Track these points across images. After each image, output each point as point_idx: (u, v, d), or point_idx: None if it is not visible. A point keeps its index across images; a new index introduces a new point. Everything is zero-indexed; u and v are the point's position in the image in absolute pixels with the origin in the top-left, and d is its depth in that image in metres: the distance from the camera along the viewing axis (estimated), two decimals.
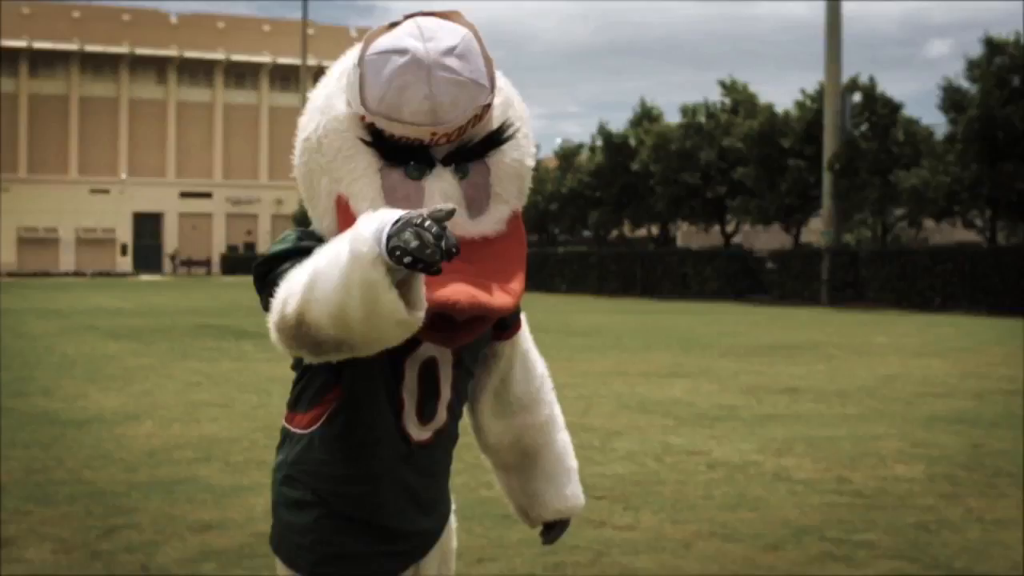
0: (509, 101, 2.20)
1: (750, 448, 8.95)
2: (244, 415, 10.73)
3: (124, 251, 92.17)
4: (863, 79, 38.91)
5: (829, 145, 37.77)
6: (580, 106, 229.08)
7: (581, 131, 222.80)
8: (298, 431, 2.29)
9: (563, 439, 2.61)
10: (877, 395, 12.32)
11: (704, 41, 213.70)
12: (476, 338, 2.13)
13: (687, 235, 60.56)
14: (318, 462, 2.25)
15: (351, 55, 2.15)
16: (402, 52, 2.03)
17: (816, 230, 43.40)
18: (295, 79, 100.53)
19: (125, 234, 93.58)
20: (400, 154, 2.08)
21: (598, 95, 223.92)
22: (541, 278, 48.45)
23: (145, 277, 77.79)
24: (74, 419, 10.42)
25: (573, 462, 2.62)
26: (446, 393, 2.28)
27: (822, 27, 40.39)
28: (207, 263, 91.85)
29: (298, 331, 1.92)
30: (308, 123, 2.20)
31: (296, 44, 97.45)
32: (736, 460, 8.43)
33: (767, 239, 53.62)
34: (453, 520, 2.49)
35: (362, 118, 2.08)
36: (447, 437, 2.35)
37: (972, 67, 33.44)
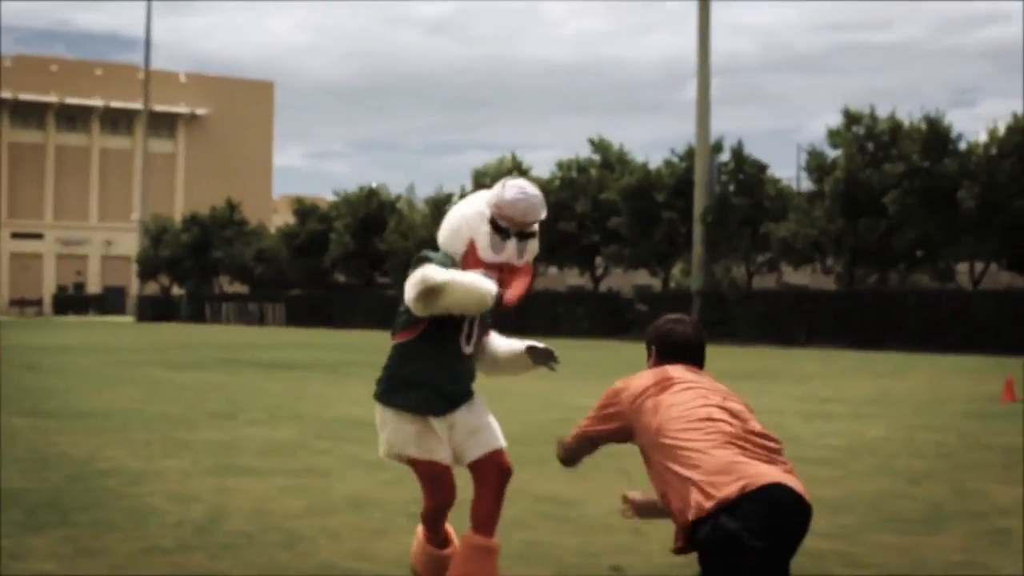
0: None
1: None
2: None
3: None
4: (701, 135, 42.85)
5: (699, 199, 41.67)
6: (345, 145, 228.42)
7: (349, 171, 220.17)
8: (402, 341, 5.04)
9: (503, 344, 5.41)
10: None
11: (467, 82, 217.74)
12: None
13: (552, 278, 60.24)
14: (416, 353, 5.01)
15: (488, 193, 5.06)
16: (525, 192, 4.93)
17: (674, 274, 49.89)
18: (126, 123, 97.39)
19: None
20: (501, 231, 4.92)
21: (364, 134, 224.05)
22: None
23: None
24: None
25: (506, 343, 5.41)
26: (476, 332, 5.15)
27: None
28: (38, 303, 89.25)
29: (429, 291, 4.67)
30: (466, 207, 5.09)
31: (127, 88, 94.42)
32: None
33: (626, 281, 55.08)
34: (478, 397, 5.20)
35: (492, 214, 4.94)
36: (475, 353, 5.22)
37: (833, 135, 38.86)
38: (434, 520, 5.21)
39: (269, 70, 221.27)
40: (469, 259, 4.94)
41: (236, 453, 9.86)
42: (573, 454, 4.42)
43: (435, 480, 5.03)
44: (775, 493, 3.57)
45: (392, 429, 5.02)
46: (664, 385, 3.97)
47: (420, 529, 5.33)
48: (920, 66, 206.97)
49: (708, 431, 3.75)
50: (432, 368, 4.96)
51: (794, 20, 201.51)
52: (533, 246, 5.01)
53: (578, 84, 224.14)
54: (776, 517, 3.55)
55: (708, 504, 3.56)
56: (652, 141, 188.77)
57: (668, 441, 3.78)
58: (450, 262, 4.91)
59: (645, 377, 4.08)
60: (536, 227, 5.01)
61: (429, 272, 4.66)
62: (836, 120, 48.47)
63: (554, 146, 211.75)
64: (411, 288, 4.72)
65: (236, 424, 12.28)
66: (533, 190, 4.95)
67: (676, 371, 4.07)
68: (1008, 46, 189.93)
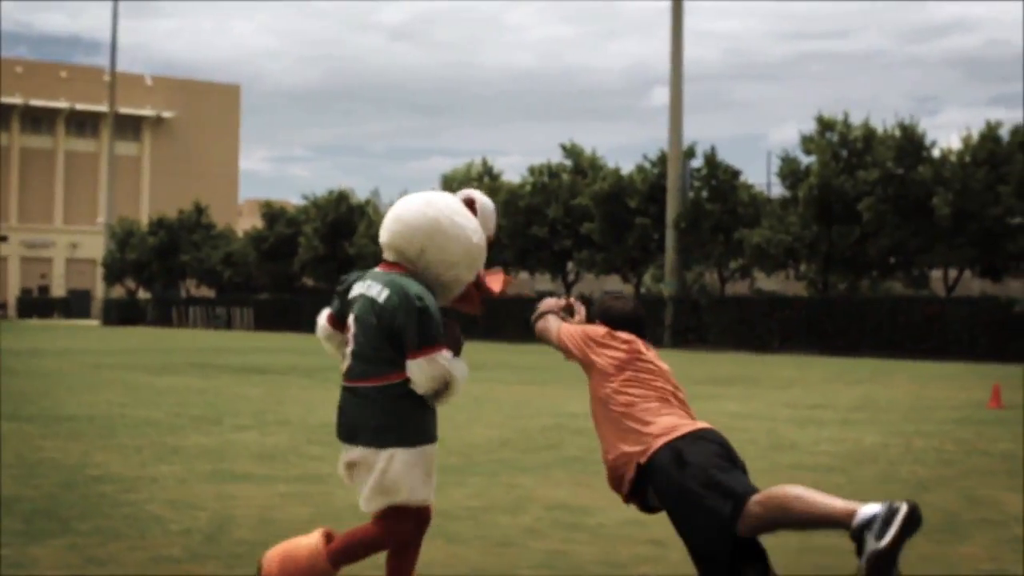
0: None
1: None
2: None
3: None
4: (660, 144, 44.26)
5: (672, 205, 41.56)
6: (308, 150, 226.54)
7: (311, 175, 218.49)
8: (398, 381, 4.53)
9: None
10: None
11: (430, 88, 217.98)
12: None
13: (522, 283, 60.11)
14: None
15: (463, 209, 4.79)
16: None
17: (644, 279, 50.10)
18: (92, 125, 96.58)
19: None
20: None
21: (327, 139, 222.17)
22: None
23: None
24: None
25: None
26: None
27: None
28: (2, 306, 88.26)
29: (443, 383, 4.55)
30: (474, 236, 4.71)
31: (92, 90, 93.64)
32: None
33: (597, 286, 55.02)
34: None
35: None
36: None
37: (806, 141, 38.65)
38: (363, 556, 4.73)
39: (231, 74, 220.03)
40: (481, 286, 4.88)
41: (230, 459, 9.65)
42: (544, 337, 5.09)
43: (416, 524, 4.72)
44: (706, 431, 4.48)
45: (404, 471, 4.54)
46: (635, 357, 4.70)
47: (316, 541, 4.64)
48: (882, 75, 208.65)
49: (663, 405, 4.59)
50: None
51: (757, 28, 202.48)
52: None
53: (541, 90, 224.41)
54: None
55: (658, 443, 4.40)
56: (615, 147, 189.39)
57: (625, 400, 4.60)
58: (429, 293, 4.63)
59: (623, 346, 4.75)
60: None
61: (459, 379, 4.60)
62: (799, 127, 48.83)
63: (517, 152, 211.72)
64: (431, 382, 4.53)
65: (223, 429, 12.05)
66: None
67: (644, 347, 4.79)
68: (969, 55, 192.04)
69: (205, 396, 16.35)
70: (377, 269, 4.77)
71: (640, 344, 4.76)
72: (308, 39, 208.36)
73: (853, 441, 11.75)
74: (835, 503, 3.93)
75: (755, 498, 4.04)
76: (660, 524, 7.12)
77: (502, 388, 18.19)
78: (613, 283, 52.91)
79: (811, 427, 13.08)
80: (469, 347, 4.93)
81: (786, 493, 4.00)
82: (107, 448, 10.26)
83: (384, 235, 4.76)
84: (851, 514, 3.82)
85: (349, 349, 4.65)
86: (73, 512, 7.11)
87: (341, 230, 55.59)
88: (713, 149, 42.36)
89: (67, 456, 9.71)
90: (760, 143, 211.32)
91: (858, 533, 3.80)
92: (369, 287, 4.64)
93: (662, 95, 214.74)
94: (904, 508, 3.77)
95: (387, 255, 4.76)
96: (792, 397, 17.73)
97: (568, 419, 13.37)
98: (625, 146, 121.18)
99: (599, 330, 4.85)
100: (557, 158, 48.87)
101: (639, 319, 4.92)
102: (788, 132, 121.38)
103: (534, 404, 15.40)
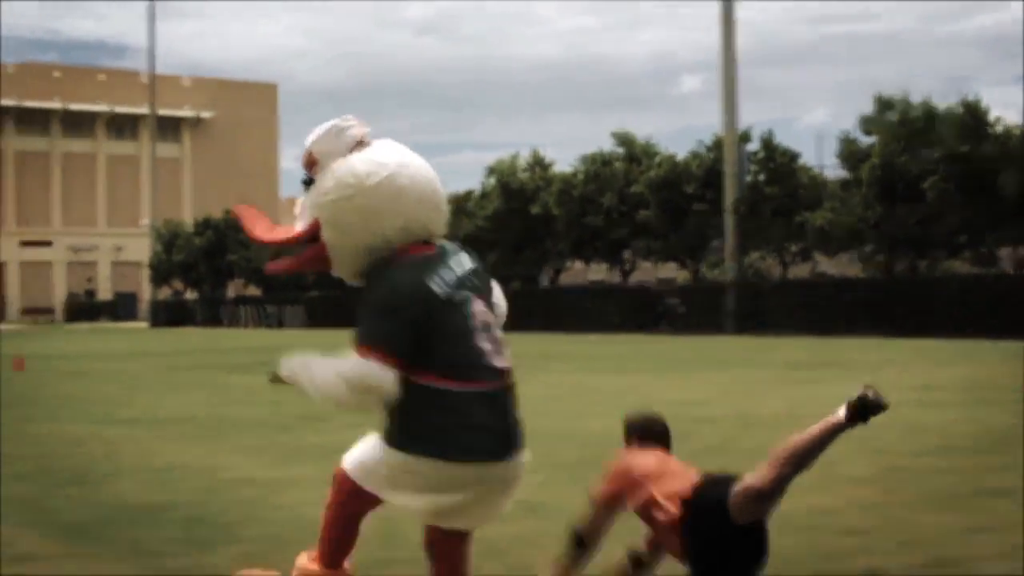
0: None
1: None
2: None
3: None
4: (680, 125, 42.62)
5: (730, 190, 41.00)
6: None
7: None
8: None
9: None
10: None
11: (458, 81, 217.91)
12: None
13: (575, 273, 59.50)
14: None
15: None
16: None
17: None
18: (131, 128, 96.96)
19: None
20: None
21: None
22: None
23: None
24: None
25: None
26: None
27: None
28: (50, 311, 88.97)
29: None
30: None
31: (131, 93, 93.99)
32: None
33: (652, 275, 54.37)
34: None
35: None
36: None
37: (866, 121, 38.00)
38: None
39: (259, 74, 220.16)
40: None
41: None
42: (599, 529, 4.86)
43: None
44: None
45: None
46: (664, 470, 4.67)
47: None
48: (910, 56, 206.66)
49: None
50: None
51: (782, 13, 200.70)
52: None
53: (568, 81, 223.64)
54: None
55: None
56: (646, 136, 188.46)
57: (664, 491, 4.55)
58: None
59: (652, 466, 4.70)
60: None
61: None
62: (831, 110, 48.01)
63: (548, 143, 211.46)
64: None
65: (334, 427, 11.73)
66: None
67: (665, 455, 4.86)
68: (999, 33, 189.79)
69: (294, 393, 16.08)
70: (436, 249, 4.53)
71: (671, 462, 4.82)
72: (334, 37, 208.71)
73: (981, 422, 11.37)
74: (825, 419, 4.15)
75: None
76: (851, 511, 6.80)
77: (590, 377, 17.88)
78: (670, 271, 52.35)
79: (932, 409, 12.66)
80: (530, 339, 4.76)
81: (783, 442, 4.22)
82: (227, 450, 10.02)
83: (442, 222, 4.62)
84: (837, 414, 4.12)
85: (502, 348, 4.48)
86: (230, 518, 6.85)
87: None
88: (770, 132, 41.86)
89: (191, 459, 9.47)
90: (792, 127, 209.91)
91: (851, 410, 4.06)
92: (468, 266, 4.51)
93: (690, 83, 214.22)
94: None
95: (437, 239, 4.60)
96: (891, 379, 17.25)
97: (679, 408, 12.99)
98: (656, 134, 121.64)
99: (629, 473, 4.77)
100: (607, 146, 48.32)
101: (668, 436, 5.05)
102: (819, 115, 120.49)
103: (635, 393, 15.05)
